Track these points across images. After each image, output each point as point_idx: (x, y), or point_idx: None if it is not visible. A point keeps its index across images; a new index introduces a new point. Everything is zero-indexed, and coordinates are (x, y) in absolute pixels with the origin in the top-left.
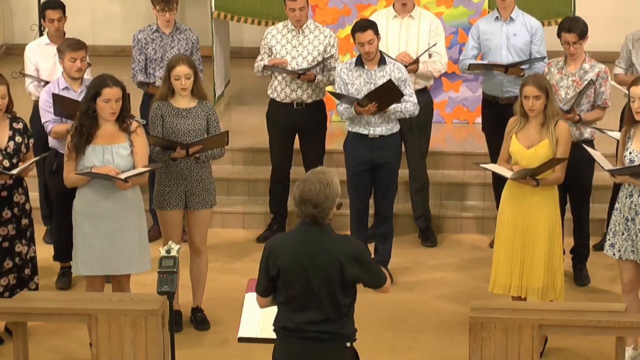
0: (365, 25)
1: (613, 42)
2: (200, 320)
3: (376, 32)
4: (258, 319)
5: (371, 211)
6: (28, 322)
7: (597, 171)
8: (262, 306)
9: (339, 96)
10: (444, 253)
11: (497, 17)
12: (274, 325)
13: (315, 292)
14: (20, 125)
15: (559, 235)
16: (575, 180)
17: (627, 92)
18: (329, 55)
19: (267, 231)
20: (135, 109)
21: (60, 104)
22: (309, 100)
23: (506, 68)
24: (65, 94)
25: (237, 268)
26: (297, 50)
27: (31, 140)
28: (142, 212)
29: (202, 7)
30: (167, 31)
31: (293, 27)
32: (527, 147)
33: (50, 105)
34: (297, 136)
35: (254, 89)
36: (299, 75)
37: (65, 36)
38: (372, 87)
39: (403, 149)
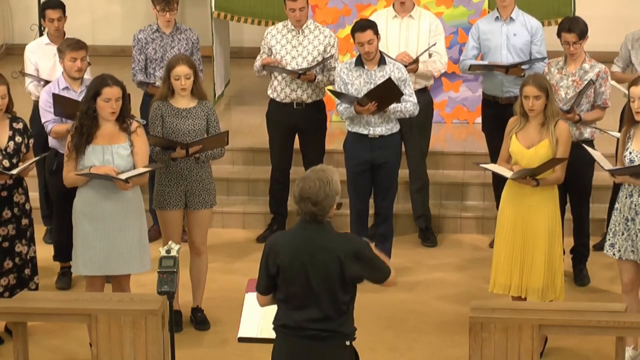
0: (365, 25)
1: (613, 42)
2: (200, 320)
3: (376, 32)
4: (258, 319)
5: (371, 211)
6: (28, 322)
7: (597, 171)
8: (262, 305)
9: (338, 95)
10: (444, 253)
11: (497, 17)
12: (273, 323)
13: (314, 290)
14: (20, 125)
15: (559, 235)
16: (575, 180)
17: (626, 92)
18: (329, 55)
19: (267, 231)
20: (135, 109)
21: (61, 103)
22: (309, 100)
23: (507, 69)
24: (65, 94)
25: (237, 268)
26: (297, 50)
27: (31, 140)
28: (142, 212)
29: (202, 7)
30: (167, 31)
31: (293, 27)
32: (527, 147)
33: (50, 105)
34: (297, 136)
35: (254, 89)
36: (299, 75)
37: (65, 36)
38: (372, 87)
39: (403, 149)
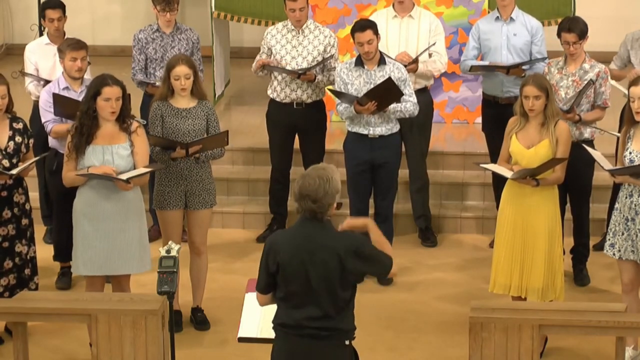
0: (365, 25)
1: (613, 42)
2: (200, 320)
3: (376, 32)
4: (258, 319)
5: (371, 211)
6: (28, 322)
7: (597, 171)
8: (262, 304)
9: (338, 94)
10: (444, 253)
11: (498, 17)
12: (273, 322)
13: (314, 288)
14: (20, 125)
15: (559, 235)
16: (575, 180)
17: (626, 92)
18: (329, 55)
19: (267, 231)
20: (135, 109)
21: (61, 103)
22: (309, 100)
23: (508, 69)
24: (65, 93)
25: (237, 268)
26: (297, 50)
27: (31, 140)
28: (142, 212)
29: (202, 7)
30: (167, 31)
31: (293, 27)
32: (527, 147)
33: (50, 105)
34: (297, 136)
35: (254, 89)
36: (299, 75)
37: (65, 36)
38: (372, 87)
39: (403, 149)
